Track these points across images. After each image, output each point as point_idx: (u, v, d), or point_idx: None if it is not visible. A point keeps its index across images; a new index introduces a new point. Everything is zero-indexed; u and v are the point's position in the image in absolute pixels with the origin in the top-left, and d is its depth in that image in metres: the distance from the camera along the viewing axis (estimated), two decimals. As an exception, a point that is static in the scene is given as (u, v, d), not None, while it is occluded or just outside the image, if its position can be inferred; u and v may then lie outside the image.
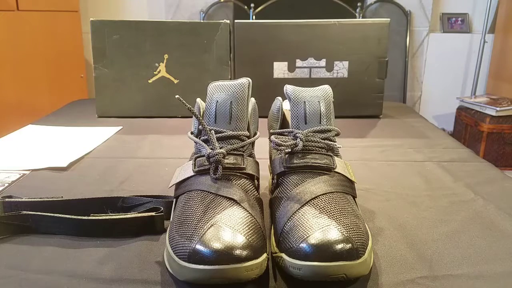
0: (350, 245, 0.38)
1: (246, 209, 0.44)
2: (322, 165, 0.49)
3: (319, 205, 0.44)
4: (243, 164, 0.49)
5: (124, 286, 0.41)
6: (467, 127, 2.14)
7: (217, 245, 0.38)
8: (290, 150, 0.49)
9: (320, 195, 0.45)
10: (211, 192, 0.46)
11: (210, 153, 0.47)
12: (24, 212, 0.50)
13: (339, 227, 0.40)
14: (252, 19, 2.19)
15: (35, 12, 1.81)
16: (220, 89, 0.52)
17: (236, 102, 0.51)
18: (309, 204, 0.44)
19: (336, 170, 0.49)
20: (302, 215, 0.43)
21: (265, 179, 0.66)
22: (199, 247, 0.38)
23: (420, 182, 0.68)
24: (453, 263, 0.45)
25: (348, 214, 0.43)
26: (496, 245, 0.49)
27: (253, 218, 0.43)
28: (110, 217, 0.50)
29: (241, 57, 1.10)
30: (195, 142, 0.52)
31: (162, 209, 0.52)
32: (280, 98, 0.58)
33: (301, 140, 0.49)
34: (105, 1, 2.29)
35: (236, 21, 1.08)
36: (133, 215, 0.51)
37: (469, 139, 2.13)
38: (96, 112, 1.12)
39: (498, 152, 2.02)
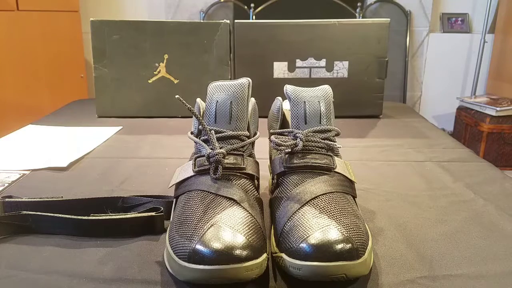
0: (350, 245, 0.38)
1: (246, 209, 0.44)
2: (322, 165, 0.49)
3: (319, 205, 0.44)
4: (243, 164, 0.49)
5: (124, 286, 0.41)
6: (467, 127, 2.14)
7: (217, 245, 0.38)
8: (290, 150, 0.49)
9: (320, 195, 0.45)
10: (211, 192, 0.46)
11: (210, 153, 0.47)
12: (24, 212, 0.50)
13: (339, 227, 0.40)
14: (252, 19, 2.19)
15: (35, 12, 1.81)
16: (220, 89, 0.52)
17: (236, 102, 0.51)
18: (309, 204, 0.44)
19: (336, 170, 0.49)
20: (302, 215, 0.43)
21: (265, 179, 0.66)
22: (199, 247, 0.38)
23: (420, 182, 0.68)
24: (453, 263, 0.45)
25: (348, 214, 0.43)
26: (496, 245, 0.49)
27: (253, 218, 0.43)
28: (110, 217, 0.50)
29: (241, 57, 1.10)
30: (195, 142, 0.52)
31: (162, 209, 0.52)
32: (280, 98, 0.58)
33: (301, 140, 0.49)
34: (105, 1, 2.29)
35: (236, 21, 1.08)
36: (133, 215, 0.51)
37: (469, 139, 2.13)
38: (96, 112, 1.12)
39: (498, 152, 2.02)
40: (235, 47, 1.10)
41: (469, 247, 0.49)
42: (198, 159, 0.49)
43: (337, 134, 0.52)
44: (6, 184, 0.66)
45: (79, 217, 0.50)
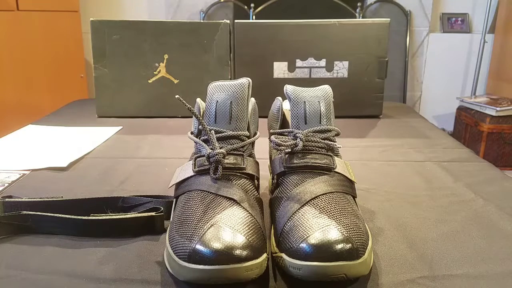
0: (350, 245, 0.38)
1: (246, 209, 0.44)
2: (322, 165, 0.49)
3: (319, 205, 0.44)
4: (243, 164, 0.49)
5: (124, 286, 0.41)
6: (467, 127, 2.14)
7: (217, 245, 0.38)
8: (290, 150, 0.49)
9: (320, 195, 0.45)
10: (211, 192, 0.46)
11: (210, 153, 0.47)
12: (24, 212, 0.50)
13: (339, 227, 0.40)
14: (252, 19, 2.19)
15: (35, 12, 1.81)
16: (220, 89, 0.52)
17: (236, 102, 0.51)
18: (309, 204, 0.44)
19: (336, 170, 0.49)
20: (302, 215, 0.43)
21: (265, 179, 0.66)
22: (199, 247, 0.38)
23: (420, 182, 0.68)
24: (453, 263, 0.45)
25: (348, 214, 0.43)
26: (496, 245, 0.49)
27: (253, 218, 0.43)
28: (110, 217, 0.50)
29: (241, 57, 1.10)
30: (195, 142, 0.52)
31: (162, 209, 0.52)
32: (280, 98, 0.58)
33: (301, 140, 0.49)
34: (105, 1, 2.29)
35: (236, 21, 1.08)
36: (133, 215, 0.51)
37: (469, 139, 2.13)
38: (96, 112, 1.12)
39: (498, 152, 2.02)
40: (235, 47, 1.10)
41: (469, 247, 0.49)
42: (198, 159, 0.49)
43: (337, 134, 0.52)
44: (6, 184, 0.66)
45: (79, 217, 0.50)
